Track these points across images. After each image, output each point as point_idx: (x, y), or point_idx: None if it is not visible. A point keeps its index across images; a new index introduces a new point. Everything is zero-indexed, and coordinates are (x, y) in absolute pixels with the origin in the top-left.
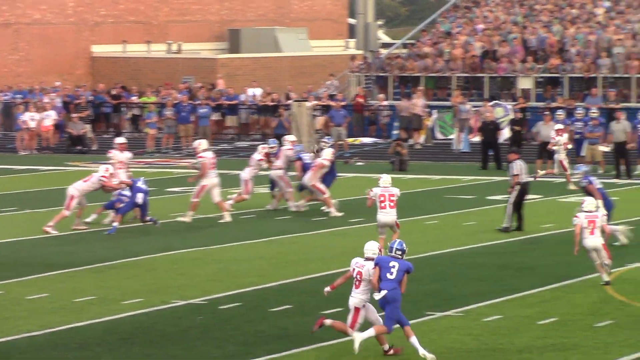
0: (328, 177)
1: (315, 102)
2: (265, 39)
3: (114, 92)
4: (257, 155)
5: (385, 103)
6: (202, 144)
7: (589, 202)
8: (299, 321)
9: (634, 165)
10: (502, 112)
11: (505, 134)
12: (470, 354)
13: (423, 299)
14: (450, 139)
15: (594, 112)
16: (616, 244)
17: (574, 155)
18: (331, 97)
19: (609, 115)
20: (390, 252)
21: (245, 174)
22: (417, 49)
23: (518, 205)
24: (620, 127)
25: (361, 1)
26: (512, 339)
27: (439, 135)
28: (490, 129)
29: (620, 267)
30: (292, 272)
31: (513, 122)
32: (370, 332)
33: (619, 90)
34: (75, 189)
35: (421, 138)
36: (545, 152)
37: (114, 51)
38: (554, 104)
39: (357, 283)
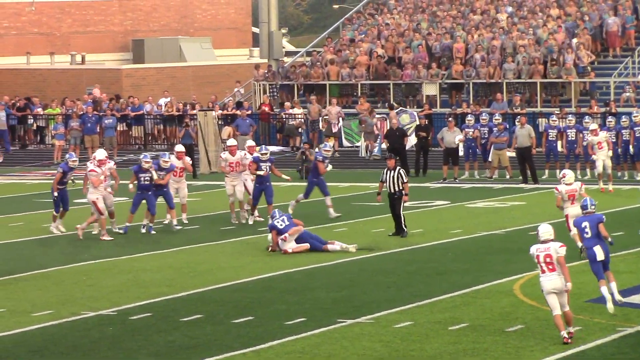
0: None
1: (221, 112)
2: (169, 49)
3: (18, 104)
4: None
5: (291, 111)
6: (96, 155)
7: (570, 176)
8: (209, 330)
9: (540, 170)
10: (409, 118)
11: (411, 140)
12: None
13: (333, 306)
14: (356, 146)
15: (497, 118)
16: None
17: (481, 161)
18: (238, 104)
19: (513, 120)
20: (585, 209)
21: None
22: (321, 57)
23: (396, 214)
24: (524, 132)
25: (265, 10)
26: (423, 345)
27: (345, 143)
28: (396, 135)
29: (530, 272)
30: (202, 281)
31: (419, 129)
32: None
33: (523, 95)
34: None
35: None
36: (450, 158)
37: (17, 63)
38: (459, 110)
39: (551, 267)
